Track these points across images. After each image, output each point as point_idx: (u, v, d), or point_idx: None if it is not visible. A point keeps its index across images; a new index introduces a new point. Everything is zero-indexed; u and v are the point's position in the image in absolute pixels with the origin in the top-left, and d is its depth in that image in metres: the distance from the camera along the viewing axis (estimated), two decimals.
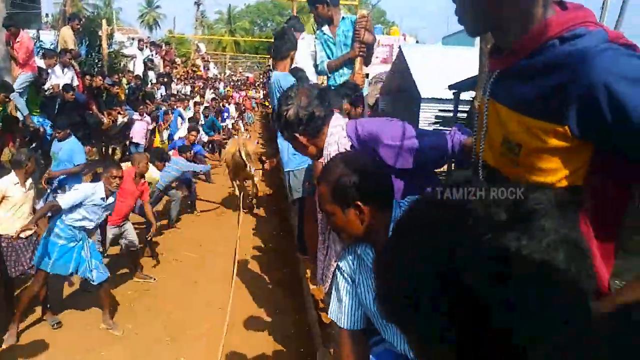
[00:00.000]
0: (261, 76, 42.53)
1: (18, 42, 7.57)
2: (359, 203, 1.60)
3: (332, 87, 3.70)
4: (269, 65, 30.82)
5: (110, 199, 4.89)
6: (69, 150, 6.23)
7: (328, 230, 2.07)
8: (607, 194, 1.06)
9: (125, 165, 5.78)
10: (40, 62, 8.06)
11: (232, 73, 41.88)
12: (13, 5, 11.26)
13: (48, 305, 4.79)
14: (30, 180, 4.77)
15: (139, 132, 9.88)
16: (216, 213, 9.40)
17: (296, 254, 5.11)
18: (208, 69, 25.74)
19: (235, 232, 7.81)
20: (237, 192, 8.99)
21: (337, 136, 2.02)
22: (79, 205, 4.56)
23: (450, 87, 9.25)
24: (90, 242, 4.83)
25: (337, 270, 1.82)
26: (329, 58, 4.41)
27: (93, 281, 4.71)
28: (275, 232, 8.13)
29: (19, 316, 4.49)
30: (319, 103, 2.02)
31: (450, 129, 2.07)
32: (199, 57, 25.27)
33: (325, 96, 2.07)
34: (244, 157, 8.10)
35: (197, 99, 15.35)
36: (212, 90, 19.58)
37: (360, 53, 3.89)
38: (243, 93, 26.30)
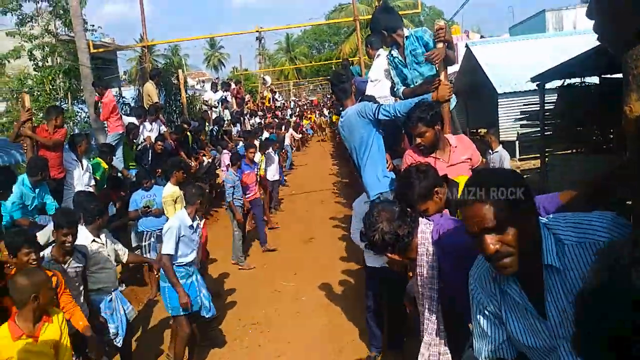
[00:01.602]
0: (324, 97, 43.07)
1: (102, 102, 8.18)
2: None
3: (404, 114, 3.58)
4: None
5: (196, 222, 4.94)
6: (160, 197, 6.62)
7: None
8: None
9: None
10: (131, 119, 8.62)
11: (297, 99, 42.77)
12: (95, 69, 12.20)
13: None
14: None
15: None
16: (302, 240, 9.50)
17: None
18: (276, 99, 26.48)
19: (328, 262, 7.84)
20: None
21: (426, 244, 2.18)
22: (177, 242, 4.65)
23: (533, 79, 8.76)
24: (198, 275, 4.95)
25: (477, 311, 1.71)
26: (403, 80, 4.33)
27: (207, 314, 4.85)
28: None
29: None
30: (401, 222, 2.17)
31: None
32: (266, 89, 26.04)
33: (405, 212, 2.22)
34: None
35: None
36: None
37: (434, 86, 3.78)
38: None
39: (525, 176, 10.20)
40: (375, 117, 3.69)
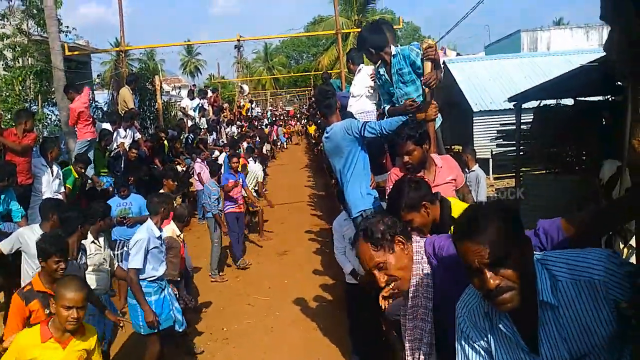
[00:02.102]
0: (301, 107, 43.18)
1: (70, 107, 7.92)
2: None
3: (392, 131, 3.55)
4: (311, 98, 31.37)
5: (164, 232, 4.85)
6: (137, 205, 6.56)
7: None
8: None
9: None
10: (105, 125, 8.39)
11: (274, 109, 42.72)
12: (67, 71, 11.88)
13: None
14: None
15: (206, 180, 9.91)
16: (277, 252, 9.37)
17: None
18: (253, 109, 26.35)
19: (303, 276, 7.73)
20: None
21: (422, 263, 2.08)
22: (146, 256, 4.50)
23: (510, 99, 8.91)
24: (169, 289, 4.83)
25: (465, 344, 1.67)
26: (390, 97, 4.31)
27: (179, 328, 4.73)
28: None
29: None
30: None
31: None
32: (243, 97, 25.90)
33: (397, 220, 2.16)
34: None
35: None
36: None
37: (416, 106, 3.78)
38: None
39: (498, 195, 10.33)
40: (361, 135, 3.65)
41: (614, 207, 1.85)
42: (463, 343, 1.68)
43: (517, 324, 1.51)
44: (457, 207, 2.60)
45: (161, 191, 6.62)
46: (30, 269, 4.55)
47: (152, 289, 4.53)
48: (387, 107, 4.27)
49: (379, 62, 4.29)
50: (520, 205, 8.25)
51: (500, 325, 1.54)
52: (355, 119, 5.12)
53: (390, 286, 2.02)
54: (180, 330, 4.85)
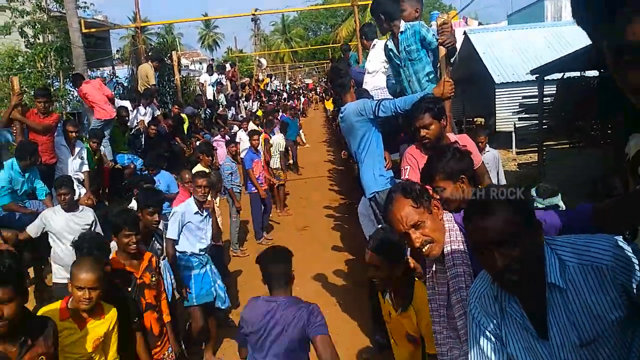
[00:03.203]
0: (320, 80, 42.85)
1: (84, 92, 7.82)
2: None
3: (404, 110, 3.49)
4: (327, 71, 31.04)
5: (205, 212, 4.85)
6: (165, 183, 6.52)
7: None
8: None
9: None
10: (125, 102, 8.43)
11: (292, 82, 42.45)
12: (86, 47, 11.94)
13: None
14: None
15: (221, 157, 9.97)
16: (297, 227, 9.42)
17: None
18: (271, 82, 26.23)
19: (323, 251, 7.76)
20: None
21: (454, 230, 2.02)
22: (182, 230, 4.61)
23: (533, 71, 8.68)
24: (212, 265, 4.89)
25: (478, 331, 1.68)
26: (397, 74, 4.19)
27: (222, 305, 4.82)
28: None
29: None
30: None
31: None
32: (261, 71, 25.76)
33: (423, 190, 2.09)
34: None
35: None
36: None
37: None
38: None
39: (522, 170, 10.18)
40: (375, 115, 3.59)
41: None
42: (475, 329, 1.69)
43: (527, 309, 1.53)
44: None
45: (198, 166, 6.66)
46: (57, 247, 4.71)
47: (193, 263, 4.64)
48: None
49: (389, 34, 4.15)
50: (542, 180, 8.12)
51: (509, 309, 1.56)
52: (371, 96, 5.05)
53: (425, 248, 1.97)
54: (223, 307, 4.91)
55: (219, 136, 10.42)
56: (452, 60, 3.78)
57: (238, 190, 8.13)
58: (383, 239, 2.69)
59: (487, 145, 7.01)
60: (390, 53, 4.10)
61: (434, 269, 2.14)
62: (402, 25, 3.93)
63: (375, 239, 2.75)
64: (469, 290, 1.75)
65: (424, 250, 1.98)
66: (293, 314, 2.61)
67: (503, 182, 6.41)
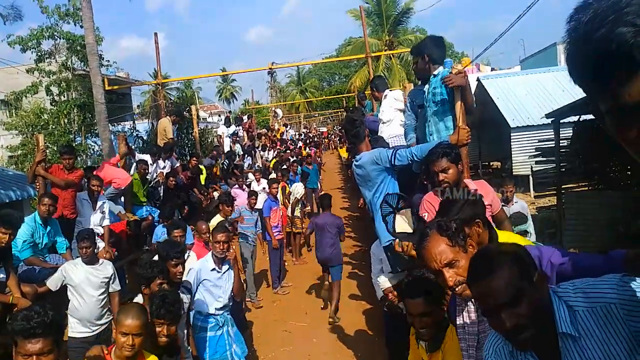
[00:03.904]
0: (334, 127, 43.50)
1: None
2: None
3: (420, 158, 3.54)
4: (341, 120, 31.53)
5: (225, 266, 4.60)
6: None
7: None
8: None
9: None
10: (145, 156, 8.63)
11: (307, 130, 43.10)
12: (109, 102, 12.37)
13: None
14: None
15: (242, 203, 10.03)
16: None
17: None
18: (287, 132, 26.67)
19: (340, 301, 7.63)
20: None
21: None
22: (198, 288, 4.41)
23: (548, 115, 8.71)
24: (230, 327, 4.64)
25: None
26: (423, 118, 4.28)
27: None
28: None
29: None
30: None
31: None
32: (277, 122, 26.26)
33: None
34: None
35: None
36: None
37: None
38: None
39: (541, 213, 10.01)
40: (392, 164, 3.62)
41: None
42: None
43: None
44: (501, 238, 2.52)
45: (217, 216, 6.72)
46: (75, 301, 4.72)
47: (209, 324, 4.43)
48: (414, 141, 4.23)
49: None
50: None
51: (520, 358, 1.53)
52: (387, 143, 5.11)
53: (458, 288, 1.93)
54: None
55: (237, 186, 10.54)
56: (469, 106, 3.84)
57: (253, 239, 8.18)
58: (420, 282, 2.60)
59: (515, 196, 6.59)
60: (424, 96, 4.23)
61: (465, 308, 2.11)
62: (436, 71, 4.11)
63: (412, 285, 2.66)
64: (484, 345, 1.72)
65: (457, 290, 1.94)
66: None
67: (533, 235, 6.07)
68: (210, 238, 4.84)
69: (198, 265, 4.54)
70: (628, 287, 1.36)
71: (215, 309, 4.50)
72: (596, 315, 1.39)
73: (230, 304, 4.78)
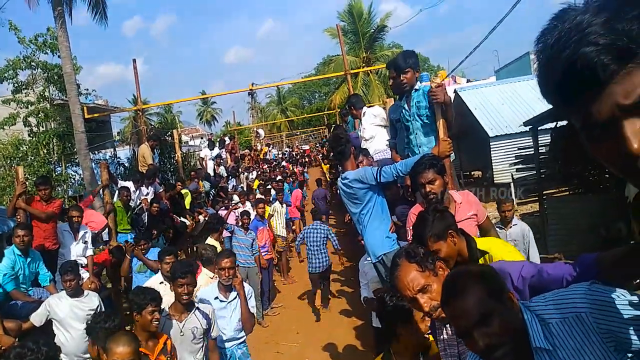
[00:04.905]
0: (316, 145, 43.72)
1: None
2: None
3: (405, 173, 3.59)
4: (325, 136, 31.67)
5: (232, 294, 4.29)
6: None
7: None
8: None
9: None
10: (127, 183, 8.55)
11: (290, 149, 43.20)
12: (88, 131, 12.26)
13: None
14: None
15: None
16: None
17: None
18: (270, 152, 26.71)
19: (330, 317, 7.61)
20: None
21: None
22: None
23: (526, 123, 8.88)
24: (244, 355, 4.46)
25: None
26: (407, 130, 4.34)
27: None
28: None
29: None
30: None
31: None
32: (259, 142, 26.28)
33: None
34: None
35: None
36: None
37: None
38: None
39: (524, 220, 10.13)
40: (378, 181, 3.65)
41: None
42: None
43: None
44: (481, 243, 2.55)
45: (209, 239, 6.78)
46: (61, 335, 4.61)
47: None
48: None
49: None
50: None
51: None
52: (371, 156, 5.18)
53: (435, 313, 1.94)
54: None
55: (223, 209, 10.50)
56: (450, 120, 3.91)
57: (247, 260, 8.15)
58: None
59: (515, 217, 5.90)
60: (402, 111, 4.30)
61: (444, 333, 2.12)
62: (418, 84, 4.21)
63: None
64: None
65: (433, 315, 1.96)
66: None
67: (536, 259, 5.38)
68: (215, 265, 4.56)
69: (200, 294, 4.31)
70: (596, 294, 1.39)
71: (225, 339, 4.23)
72: (569, 325, 1.41)
73: (240, 336, 4.46)
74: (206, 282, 5.18)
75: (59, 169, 15.25)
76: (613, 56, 0.77)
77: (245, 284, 4.52)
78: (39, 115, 14.99)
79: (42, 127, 15.23)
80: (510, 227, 5.58)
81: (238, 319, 4.33)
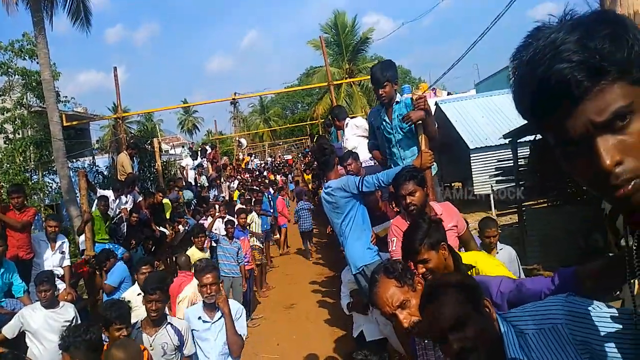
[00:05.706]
0: (298, 155, 43.77)
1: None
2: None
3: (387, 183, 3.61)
4: (308, 146, 31.80)
5: (218, 314, 3.86)
6: (118, 276, 6.32)
7: None
8: None
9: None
10: (106, 192, 8.42)
11: (272, 159, 43.12)
12: (67, 138, 12.06)
13: None
14: None
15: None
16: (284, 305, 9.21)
17: None
18: (252, 161, 26.62)
19: (313, 329, 7.56)
20: None
21: None
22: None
23: (505, 135, 9.02)
24: None
25: None
26: (388, 142, 4.35)
27: None
28: None
29: None
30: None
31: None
32: (241, 151, 26.18)
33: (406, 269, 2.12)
34: None
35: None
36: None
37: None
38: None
39: (504, 231, 10.24)
40: (360, 190, 3.66)
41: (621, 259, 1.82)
42: None
43: None
44: (466, 258, 2.56)
45: (192, 248, 6.86)
46: (35, 348, 4.49)
47: None
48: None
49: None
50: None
51: None
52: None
53: (414, 331, 1.95)
54: None
55: (204, 218, 10.40)
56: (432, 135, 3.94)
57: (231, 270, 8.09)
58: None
59: (499, 242, 5.13)
60: (384, 123, 4.31)
61: (424, 347, 2.13)
62: (398, 96, 4.23)
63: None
64: None
65: (413, 332, 1.96)
66: None
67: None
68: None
69: (186, 314, 4.02)
70: (572, 305, 1.40)
71: None
72: (545, 336, 1.42)
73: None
74: (194, 294, 4.89)
75: (35, 177, 14.96)
76: (586, 73, 0.79)
77: (235, 302, 4.21)
78: (16, 122, 14.71)
79: (19, 134, 14.96)
80: (497, 252, 4.95)
81: (224, 342, 3.85)
